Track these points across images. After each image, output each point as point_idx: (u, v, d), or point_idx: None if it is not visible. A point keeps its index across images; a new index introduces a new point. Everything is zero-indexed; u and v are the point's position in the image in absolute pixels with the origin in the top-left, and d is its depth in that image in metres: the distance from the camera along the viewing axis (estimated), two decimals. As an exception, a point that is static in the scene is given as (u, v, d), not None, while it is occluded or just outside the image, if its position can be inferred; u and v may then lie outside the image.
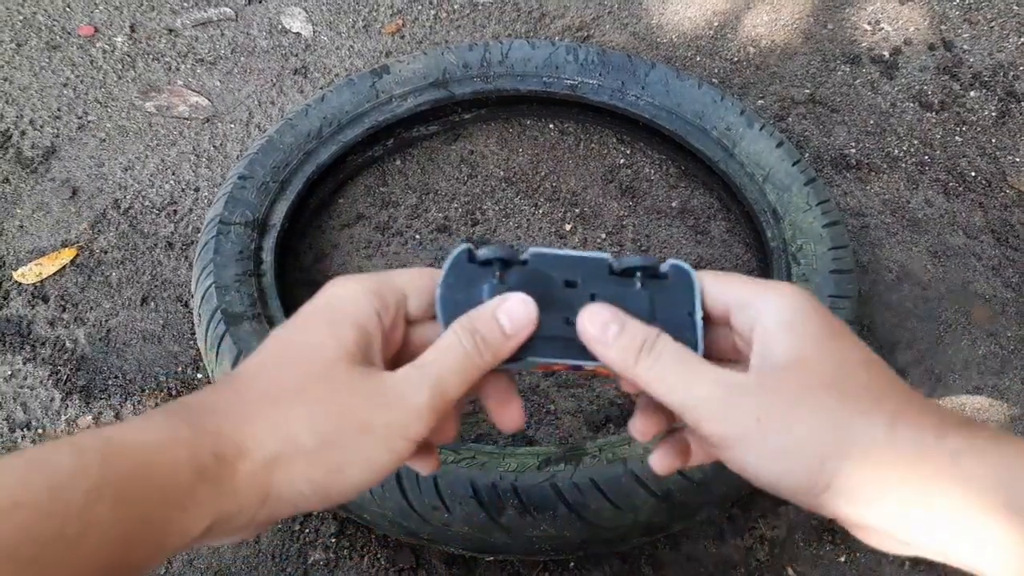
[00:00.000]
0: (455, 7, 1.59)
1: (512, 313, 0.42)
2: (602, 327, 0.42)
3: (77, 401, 1.07)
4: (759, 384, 0.39)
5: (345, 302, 0.42)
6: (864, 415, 0.37)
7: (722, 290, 0.45)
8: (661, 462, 0.47)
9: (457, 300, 0.44)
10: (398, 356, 0.46)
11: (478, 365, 0.42)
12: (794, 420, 0.38)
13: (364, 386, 0.39)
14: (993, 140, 1.41)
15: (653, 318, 0.44)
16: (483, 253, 0.45)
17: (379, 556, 0.95)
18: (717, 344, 0.47)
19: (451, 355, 0.41)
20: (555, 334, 0.44)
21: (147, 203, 1.29)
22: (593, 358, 0.44)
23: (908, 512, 0.36)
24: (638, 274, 0.45)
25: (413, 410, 0.39)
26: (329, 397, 0.39)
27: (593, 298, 0.45)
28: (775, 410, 0.38)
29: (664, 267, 0.46)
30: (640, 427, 0.47)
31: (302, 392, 0.39)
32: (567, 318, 0.44)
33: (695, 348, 0.44)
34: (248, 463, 0.36)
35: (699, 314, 0.45)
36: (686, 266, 0.46)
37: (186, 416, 0.36)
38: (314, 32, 1.55)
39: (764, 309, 0.42)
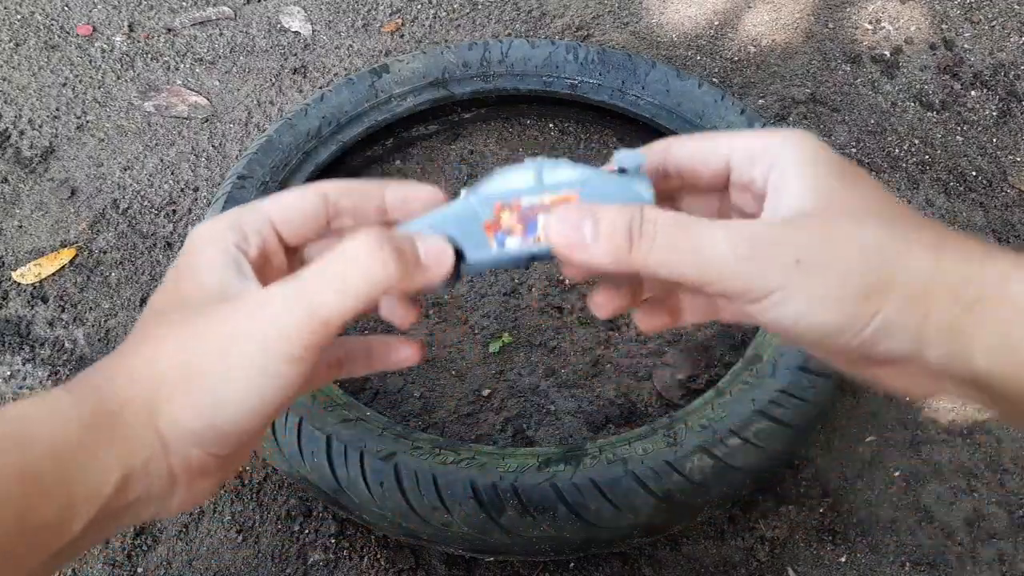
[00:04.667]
0: (454, 6, 1.59)
1: (432, 246, 0.38)
2: (574, 230, 0.36)
3: (76, 401, 1.07)
4: (788, 226, 0.36)
5: (200, 240, 0.39)
6: (907, 244, 0.35)
7: (716, 147, 0.40)
8: (646, 320, 0.43)
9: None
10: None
11: (371, 274, 0.35)
12: (836, 255, 0.34)
13: (223, 304, 0.36)
14: (994, 140, 1.41)
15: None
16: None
17: (379, 557, 0.95)
18: (704, 213, 0.43)
19: (337, 263, 0.36)
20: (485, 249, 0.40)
21: (146, 203, 1.28)
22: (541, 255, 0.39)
23: (951, 339, 0.34)
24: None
25: (275, 326, 0.35)
26: (190, 322, 0.36)
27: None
28: (813, 249, 0.34)
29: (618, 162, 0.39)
30: (600, 300, 0.43)
31: (165, 327, 0.37)
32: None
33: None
34: (131, 410, 0.35)
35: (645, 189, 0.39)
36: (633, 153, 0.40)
37: (70, 383, 0.36)
38: (313, 31, 1.54)
39: (780, 155, 0.38)
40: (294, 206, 0.41)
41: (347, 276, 0.35)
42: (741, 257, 0.35)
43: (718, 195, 0.43)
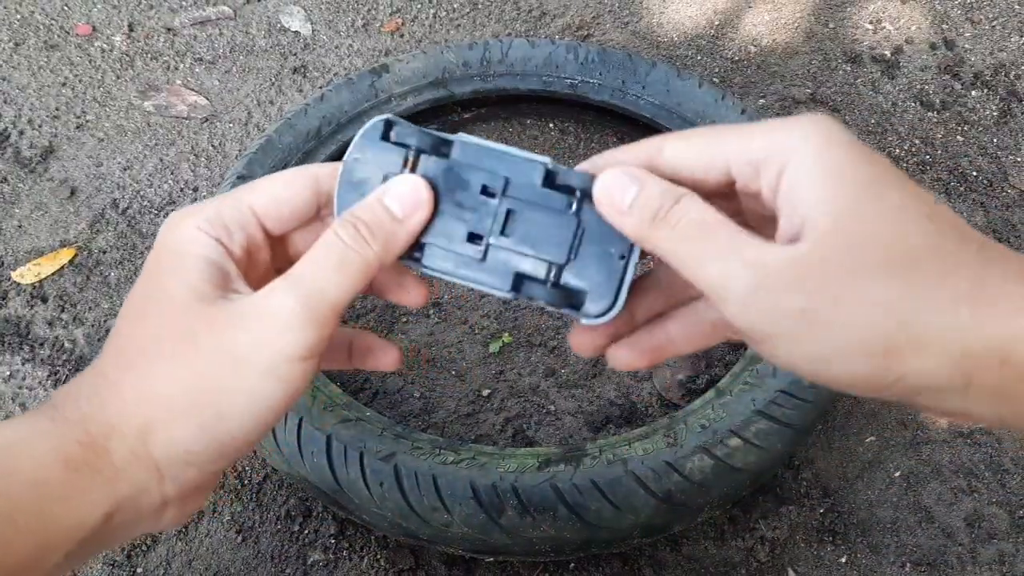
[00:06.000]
0: (455, 6, 1.59)
1: (401, 196, 0.37)
2: (621, 192, 0.35)
3: (76, 401, 1.07)
4: (803, 262, 0.31)
5: (181, 243, 0.37)
6: (933, 297, 0.30)
7: (713, 154, 0.36)
8: (623, 355, 0.41)
9: (357, 188, 0.39)
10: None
11: (366, 258, 0.36)
12: (847, 311, 0.31)
13: (222, 317, 0.35)
14: (995, 140, 1.41)
15: (573, 253, 0.38)
16: (399, 132, 0.39)
17: (379, 557, 0.95)
18: None
19: (328, 253, 0.36)
20: (454, 248, 0.39)
21: (146, 203, 1.28)
22: (495, 284, 0.39)
23: (1002, 403, 0.31)
24: (577, 194, 0.38)
25: (283, 324, 0.34)
26: (186, 341, 0.35)
27: (509, 215, 0.39)
28: (821, 299, 0.31)
29: None
30: (578, 339, 0.41)
31: (157, 348, 0.35)
32: (471, 233, 0.39)
33: (610, 306, 0.38)
34: (120, 441, 0.34)
35: (633, 259, 0.38)
36: None
37: (48, 411, 0.35)
38: (313, 31, 1.54)
39: (788, 161, 0.33)
40: (283, 198, 0.39)
41: (340, 263, 0.36)
42: (743, 288, 0.32)
43: (728, 200, 0.38)
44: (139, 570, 0.94)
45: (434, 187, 0.39)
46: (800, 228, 0.32)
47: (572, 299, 0.39)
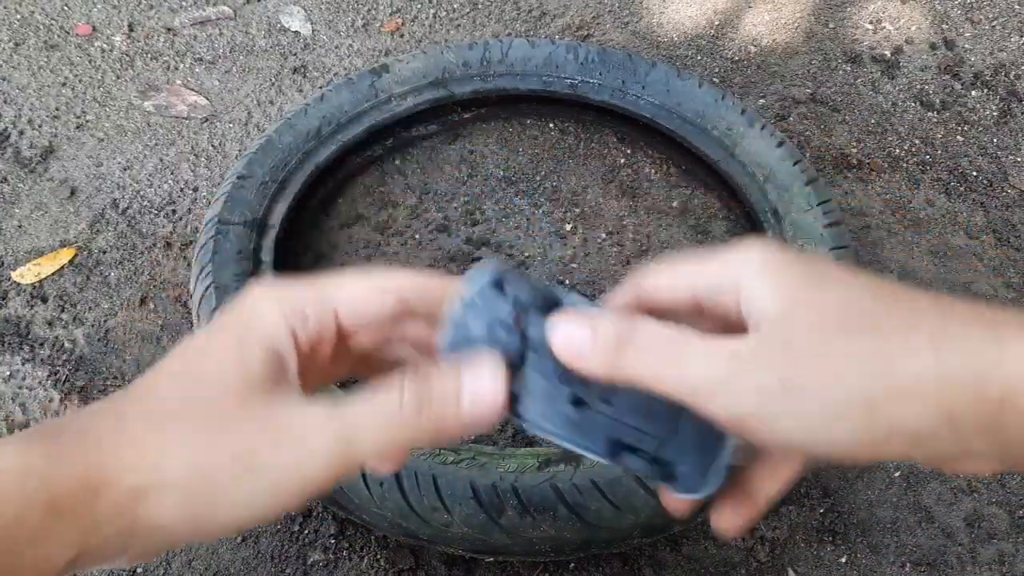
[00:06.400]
0: (455, 6, 1.59)
1: (479, 397, 0.37)
2: (578, 340, 0.36)
3: (76, 402, 1.07)
4: (767, 342, 0.33)
5: (257, 319, 0.37)
6: (901, 343, 0.32)
7: (679, 285, 0.39)
8: (725, 520, 0.42)
9: (464, 329, 0.39)
10: (334, 368, 0.42)
11: (413, 439, 0.36)
12: (821, 372, 0.32)
13: (260, 416, 0.35)
14: (995, 140, 1.41)
15: (673, 426, 0.39)
16: (512, 293, 0.39)
17: (378, 557, 0.95)
18: None
19: (381, 410, 0.36)
20: (555, 407, 0.39)
21: (146, 203, 1.28)
22: (595, 449, 0.39)
23: (994, 436, 0.32)
24: None
25: (309, 456, 0.34)
26: (215, 426, 0.35)
27: (608, 403, 0.39)
28: (798, 365, 0.32)
29: None
30: (672, 504, 0.42)
31: (187, 418, 0.35)
32: (577, 399, 0.39)
33: (702, 484, 0.40)
34: (113, 493, 0.33)
35: (725, 459, 0.40)
36: None
37: (48, 441, 0.34)
38: (313, 31, 1.54)
39: (742, 277, 0.36)
40: (368, 303, 0.39)
41: (386, 427, 0.36)
42: (720, 376, 0.33)
43: (702, 319, 0.40)
44: (139, 570, 0.94)
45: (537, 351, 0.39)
46: (762, 318, 0.34)
47: (667, 472, 0.40)
